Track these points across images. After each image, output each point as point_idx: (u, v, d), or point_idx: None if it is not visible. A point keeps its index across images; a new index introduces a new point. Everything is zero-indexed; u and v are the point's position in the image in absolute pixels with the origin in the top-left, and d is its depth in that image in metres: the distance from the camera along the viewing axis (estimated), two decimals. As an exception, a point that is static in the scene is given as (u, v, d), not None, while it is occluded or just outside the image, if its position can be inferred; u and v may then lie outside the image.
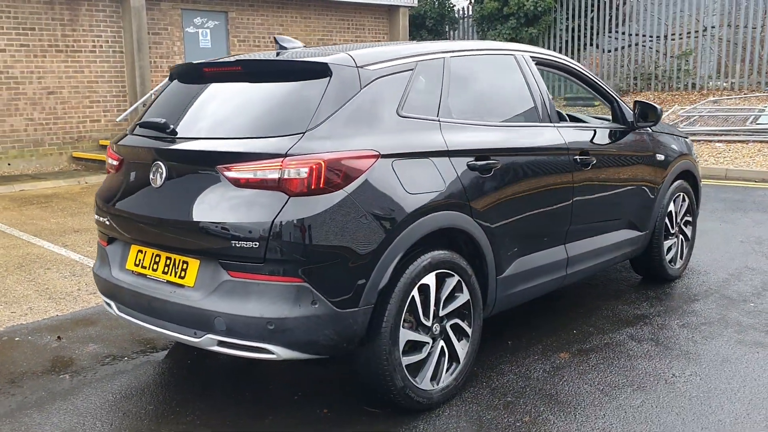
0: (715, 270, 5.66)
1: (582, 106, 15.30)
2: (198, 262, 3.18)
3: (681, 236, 5.48)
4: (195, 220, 3.12)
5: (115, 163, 3.69)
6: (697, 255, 6.05)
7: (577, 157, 4.22)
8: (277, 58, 3.53)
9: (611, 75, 17.43)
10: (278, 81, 3.35)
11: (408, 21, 19.59)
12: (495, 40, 18.21)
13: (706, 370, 3.79)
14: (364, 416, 3.37)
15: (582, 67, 4.74)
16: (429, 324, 3.36)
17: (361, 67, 3.30)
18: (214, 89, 3.52)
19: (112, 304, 3.63)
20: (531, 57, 4.26)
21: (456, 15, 20.59)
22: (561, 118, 4.93)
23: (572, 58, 17.45)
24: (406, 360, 3.26)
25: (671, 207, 5.26)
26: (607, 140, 4.62)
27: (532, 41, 18.04)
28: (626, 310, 4.79)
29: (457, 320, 3.52)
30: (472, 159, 3.55)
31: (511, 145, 3.81)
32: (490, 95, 4.03)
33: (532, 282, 4.02)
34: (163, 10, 13.06)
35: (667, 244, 5.29)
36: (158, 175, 3.32)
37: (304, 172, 2.94)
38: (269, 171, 2.96)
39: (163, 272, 3.32)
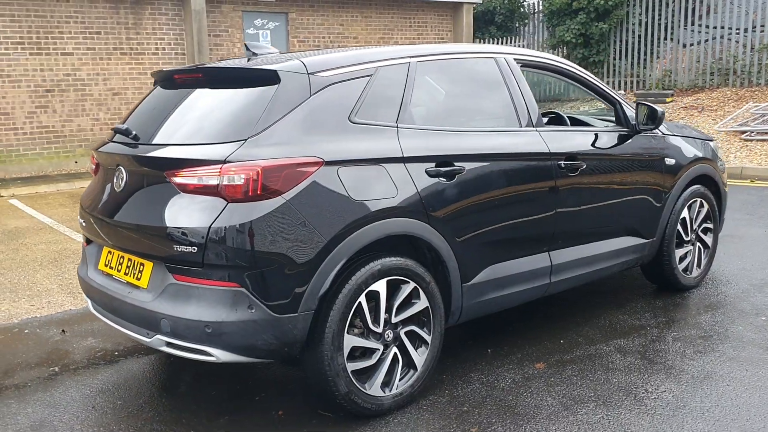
0: (738, 280, 5.37)
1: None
2: (151, 264, 3.29)
3: (698, 244, 5.23)
4: (146, 224, 3.23)
5: (93, 167, 3.86)
6: (726, 262, 5.77)
7: (562, 162, 4.10)
8: (231, 65, 3.60)
9: (687, 71, 16.71)
10: (232, 88, 3.42)
11: (473, 18, 19.44)
12: (563, 35, 17.84)
13: (683, 387, 3.62)
14: (315, 419, 3.40)
15: (579, 68, 4.59)
16: (379, 330, 3.35)
17: (313, 73, 3.33)
18: (179, 95, 3.62)
19: (89, 302, 3.79)
20: (516, 60, 4.16)
21: (526, 10, 20.23)
22: (560, 121, 4.83)
23: (646, 53, 16.86)
24: (352, 366, 3.27)
25: (685, 213, 5.03)
26: (603, 144, 4.46)
27: (602, 36, 17.53)
28: (625, 320, 4.62)
29: (413, 327, 3.50)
30: (431, 165, 3.51)
31: (479, 150, 3.74)
32: (462, 100, 3.97)
33: (508, 290, 3.94)
34: (224, 13, 13.44)
35: (680, 251, 5.06)
36: (120, 180, 3.45)
37: (241, 178, 2.99)
38: (209, 177, 3.03)
39: (125, 273, 3.45)
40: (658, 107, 4.58)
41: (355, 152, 3.29)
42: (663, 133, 4.91)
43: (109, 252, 3.62)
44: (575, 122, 4.96)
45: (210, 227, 2.99)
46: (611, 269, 4.61)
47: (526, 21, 20.46)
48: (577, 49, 18.02)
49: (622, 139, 4.60)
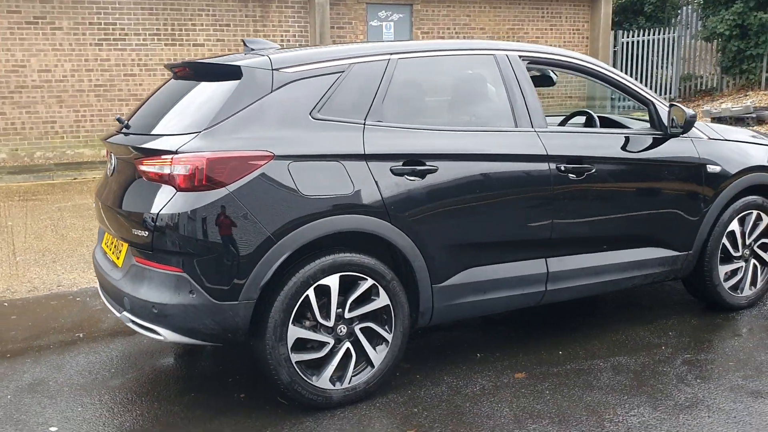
0: (803, 303, 4.83)
1: None
2: (126, 246, 3.53)
3: (753, 261, 4.74)
4: (119, 208, 3.48)
5: (104, 155, 4.19)
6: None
7: (562, 166, 3.89)
8: (205, 60, 3.75)
9: None
10: (205, 82, 3.57)
11: (620, 7, 18.51)
12: (716, 26, 16.54)
13: (657, 413, 3.35)
14: (270, 405, 3.51)
15: (604, 65, 4.31)
16: (330, 324, 3.39)
17: (277, 69, 3.41)
18: (171, 88, 3.82)
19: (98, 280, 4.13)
20: (521, 57, 3.99)
21: (679, 0, 18.96)
22: (589, 122, 4.59)
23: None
24: (297, 357, 3.34)
25: (734, 226, 4.59)
26: (622, 148, 4.17)
27: (763, 27, 16.05)
28: (644, 336, 4.32)
29: (370, 324, 3.50)
30: (398, 163, 3.49)
31: (457, 150, 3.65)
32: (447, 98, 3.88)
33: (491, 294, 3.82)
34: (348, 5, 13.77)
35: (726, 268, 4.63)
36: (111, 167, 3.73)
37: (187, 169, 3.14)
38: (163, 167, 3.22)
39: (112, 252, 3.73)
40: (689, 109, 4.21)
41: (312, 148, 3.34)
42: (709, 137, 4.50)
43: (108, 233, 3.92)
44: (608, 124, 4.67)
45: (158, 214, 3.18)
46: (632, 281, 4.31)
47: (678, 11, 19.19)
48: (731, 41, 16.66)
49: (649, 143, 4.27)
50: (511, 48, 4.02)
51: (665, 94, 17.93)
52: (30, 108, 11.60)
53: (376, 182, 3.42)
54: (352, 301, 3.44)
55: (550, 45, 15.84)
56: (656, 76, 17.87)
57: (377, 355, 3.54)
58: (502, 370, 3.88)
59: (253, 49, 3.94)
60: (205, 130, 3.24)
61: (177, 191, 3.18)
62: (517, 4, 15.42)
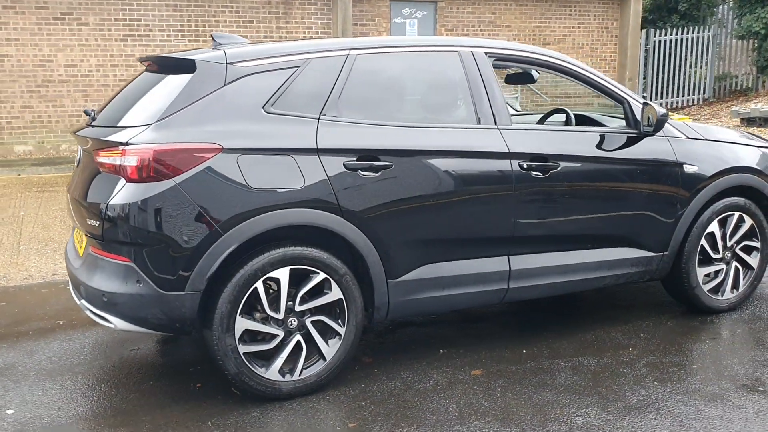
0: (788, 308, 4.72)
1: None
2: (87, 237, 3.63)
3: (735, 263, 4.64)
4: (79, 198, 3.58)
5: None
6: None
7: (525, 163, 3.87)
8: (164, 54, 3.81)
9: None
10: (165, 75, 3.63)
11: (654, 5, 18.16)
12: (752, 24, 16.11)
13: (604, 415, 3.32)
14: (222, 395, 3.57)
15: (577, 63, 4.25)
16: (280, 317, 3.44)
17: (231, 63, 3.46)
18: (139, 81, 3.90)
19: None
20: (487, 54, 3.97)
21: (715, -2, 18.53)
22: (567, 120, 4.55)
23: None
24: (245, 348, 3.39)
25: (714, 228, 4.50)
26: (591, 146, 4.12)
27: (799, 25, 15.59)
28: (614, 337, 4.26)
29: (322, 317, 3.53)
30: (352, 159, 3.51)
31: (412, 147, 3.65)
32: (407, 95, 3.89)
33: (451, 291, 3.82)
34: (371, 2, 13.80)
35: (705, 270, 4.54)
36: (77, 160, 3.83)
37: (135, 160, 3.22)
38: (114, 158, 3.30)
39: (78, 243, 3.83)
40: (661, 108, 4.14)
41: (262, 141, 3.38)
42: (688, 137, 4.42)
43: (79, 222, 4.03)
44: (585, 122, 4.62)
45: (108, 204, 3.26)
46: (602, 281, 4.26)
47: (715, 9, 18.74)
48: (767, 41, 16.22)
49: (623, 142, 4.22)
50: (478, 45, 4.00)
51: (699, 93, 17.56)
52: (56, 102, 11.91)
53: (327, 177, 3.45)
54: (303, 295, 3.48)
55: (578, 44, 15.66)
56: (690, 76, 17.49)
57: (329, 348, 3.57)
58: (461, 366, 3.88)
59: (220, 44, 3.99)
60: (156, 122, 3.31)
61: (126, 182, 3.25)
62: (544, 1, 15.26)
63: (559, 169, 3.97)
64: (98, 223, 3.33)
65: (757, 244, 4.68)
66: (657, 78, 17.20)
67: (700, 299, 4.55)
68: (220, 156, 3.29)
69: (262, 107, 3.44)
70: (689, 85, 17.56)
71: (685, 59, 17.45)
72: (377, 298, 3.66)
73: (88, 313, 3.52)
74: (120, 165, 3.26)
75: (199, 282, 3.27)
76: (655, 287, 5.09)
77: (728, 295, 4.65)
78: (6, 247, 6.46)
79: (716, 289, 4.61)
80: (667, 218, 4.33)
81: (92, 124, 3.76)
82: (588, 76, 4.25)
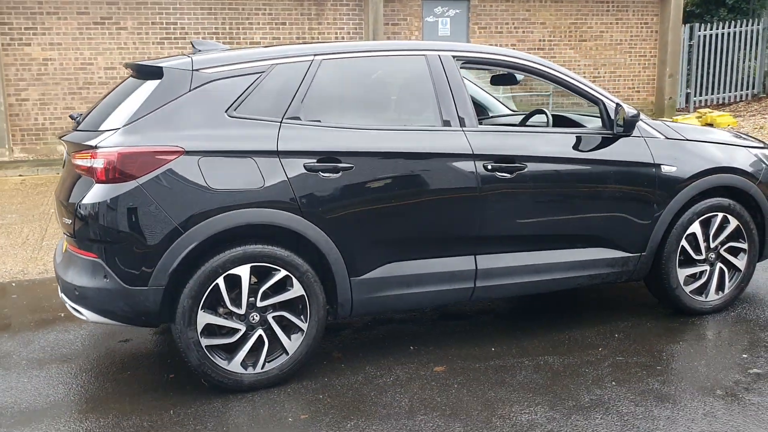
0: (776, 310, 4.64)
1: None
2: (69, 235, 3.85)
3: (720, 264, 4.59)
4: (60, 199, 3.80)
5: None
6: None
7: (490, 164, 3.93)
8: (141, 62, 3.99)
9: None
10: (142, 81, 3.82)
11: (691, 0, 17.72)
12: (801, 18, 15.60)
13: (551, 413, 3.37)
14: (191, 385, 3.75)
15: (549, 64, 4.28)
16: (242, 312, 3.59)
17: (197, 70, 3.63)
18: (121, 87, 4.09)
19: None
20: (455, 57, 4.05)
21: (765, -10, 17.95)
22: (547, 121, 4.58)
23: None
24: (207, 341, 3.56)
25: (695, 228, 4.46)
26: (562, 147, 4.16)
27: None
28: (587, 337, 4.29)
29: (284, 313, 3.67)
30: (312, 160, 3.63)
31: (374, 149, 3.75)
32: (371, 98, 3.99)
33: (417, 289, 3.91)
34: (403, 2, 13.88)
35: (687, 271, 4.51)
36: (63, 163, 4.07)
37: (103, 162, 3.42)
38: (86, 160, 3.50)
39: (66, 240, 4.06)
40: (632, 109, 4.14)
41: (224, 144, 3.54)
42: (667, 137, 4.40)
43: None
44: (565, 123, 4.63)
45: (78, 203, 3.48)
46: (576, 281, 4.29)
47: (765, 1, 18.16)
48: (818, 34, 15.69)
49: (597, 143, 4.23)
50: (445, 48, 4.08)
51: (748, 89, 17.08)
52: (96, 103, 12.38)
53: (287, 178, 3.59)
54: (265, 291, 3.62)
55: (616, 40, 15.42)
56: (738, 71, 17.02)
57: (292, 343, 3.70)
58: (426, 362, 3.97)
59: (199, 50, 4.17)
60: (124, 126, 3.50)
61: (95, 183, 3.46)
62: (581, -3, 15.07)
63: (525, 170, 4.01)
64: (71, 221, 3.54)
65: (744, 246, 4.62)
66: (702, 74, 16.78)
67: (682, 300, 4.52)
68: (182, 158, 3.46)
69: (225, 111, 3.60)
70: (737, 81, 17.09)
71: (733, 54, 16.99)
72: (340, 295, 3.78)
73: (67, 306, 3.74)
74: (90, 167, 3.47)
75: (162, 278, 3.45)
76: (645, 289, 5.05)
77: (713, 296, 4.60)
78: (29, 244, 6.82)
79: (700, 291, 4.57)
80: (643, 219, 4.32)
81: (77, 128, 3.98)
82: (560, 77, 4.28)
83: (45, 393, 3.72)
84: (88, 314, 3.56)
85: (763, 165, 4.67)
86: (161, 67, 3.64)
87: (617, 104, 4.20)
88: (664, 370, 3.80)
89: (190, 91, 3.59)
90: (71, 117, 4.14)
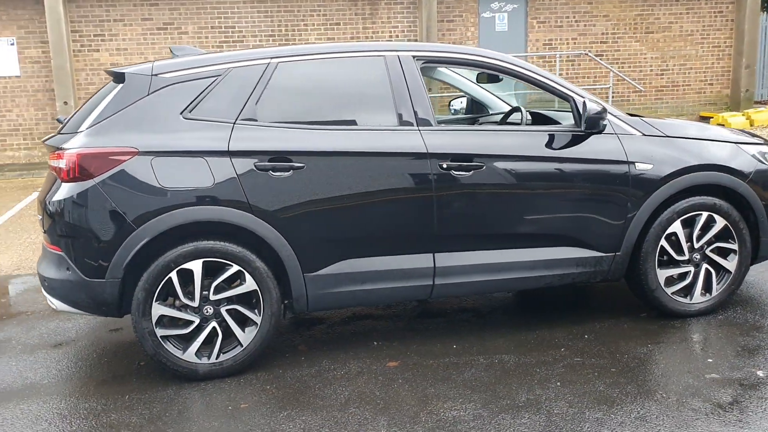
0: (768, 314, 4.44)
1: None
2: (49, 232, 4.15)
3: (707, 265, 4.43)
4: (39, 198, 4.10)
5: None
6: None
7: (445, 163, 3.95)
8: (112, 68, 4.22)
9: None
10: (114, 86, 4.05)
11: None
12: None
13: (480, 411, 3.38)
14: (155, 373, 3.97)
15: (516, 62, 4.25)
16: (195, 305, 3.77)
17: (156, 75, 3.84)
18: (98, 93, 4.32)
19: None
20: (415, 57, 4.09)
21: None
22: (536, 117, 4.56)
23: None
24: (163, 332, 3.76)
25: (676, 228, 4.32)
26: (524, 145, 4.13)
27: None
28: (555, 338, 4.24)
29: (237, 306, 3.83)
30: (263, 160, 3.77)
31: (328, 149, 3.85)
32: (326, 99, 4.07)
33: (372, 285, 3.99)
34: (459, -2, 13.86)
35: (667, 272, 4.37)
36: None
37: (65, 163, 3.68)
38: (54, 161, 3.78)
39: (51, 238, 4.36)
40: (595, 105, 4.06)
41: (177, 145, 3.73)
42: (644, 134, 4.29)
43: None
44: (542, 120, 4.58)
45: (46, 201, 3.75)
46: (542, 280, 4.24)
47: None
48: None
49: (565, 140, 4.17)
50: (405, 49, 4.13)
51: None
52: (160, 105, 12.98)
53: (238, 177, 3.74)
54: (218, 285, 3.79)
55: (686, 31, 14.82)
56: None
57: (245, 335, 3.86)
58: (382, 358, 4.04)
59: (177, 55, 4.38)
60: (86, 129, 3.75)
61: (61, 182, 3.72)
62: (647, -12, 14.59)
63: (484, 168, 4.01)
64: (41, 217, 3.83)
65: (735, 246, 4.44)
66: (783, 64, 15.93)
67: (662, 302, 4.39)
68: (136, 158, 3.67)
69: (181, 113, 3.79)
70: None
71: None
72: (295, 290, 3.90)
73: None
74: (57, 167, 3.74)
75: (117, 271, 3.67)
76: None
77: (699, 299, 4.45)
78: (68, 238, 7.28)
79: (685, 293, 4.43)
80: (615, 218, 4.23)
81: (60, 131, 4.27)
82: (527, 74, 4.25)
83: (25, 375, 4.03)
84: (57, 304, 3.84)
85: (756, 162, 4.46)
86: (123, 73, 3.87)
87: (584, 101, 4.12)
88: (618, 373, 3.72)
89: (148, 94, 3.80)
90: (58, 120, 4.44)
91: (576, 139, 4.19)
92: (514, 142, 4.15)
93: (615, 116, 4.28)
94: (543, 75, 4.26)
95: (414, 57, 4.10)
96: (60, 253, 3.75)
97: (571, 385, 3.60)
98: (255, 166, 3.77)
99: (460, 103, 5.85)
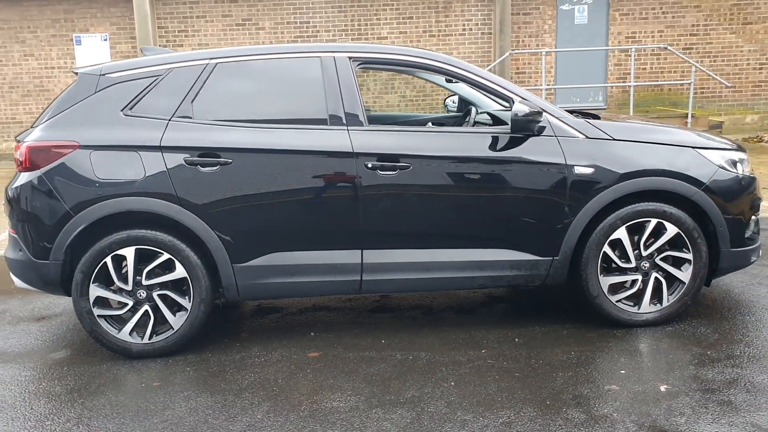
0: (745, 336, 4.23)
1: None
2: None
3: (656, 274, 4.26)
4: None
5: None
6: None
7: (370, 162, 4.04)
8: (74, 68, 4.58)
9: None
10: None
11: None
12: None
13: (363, 404, 3.47)
14: (103, 352, 4.33)
15: (457, 63, 4.24)
16: (129, 288, 4.09)
17: (103, 74, 4.17)
18: (66, 89, 4.72)
19: None
20: (351, 58, 4.20)
21: None
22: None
23: None
24: (100, 311, 4.11)
25: (620, 234, 4.19)
26: (459, 146, 4.15)
27: None
28: (485, 339, 4.23)
29: (168, 292, 4.11)
30: (193, 155, 4.02)
31: (256, 145, 4.04)
32: (262, 99, 4.24)
33: (300, 278, 4.15)
34: (535, -10, 13.57)
35: (611, 279, 4.25)
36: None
37: (19, 154, 4.09)
38: (16, 152, 4.21)
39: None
40: (523, 107, 3.99)
41: (114, 139, 4.05)
42: (587, 136, 4.19)
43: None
44: (495, 121, 4.56)
45: (6, 188, 4.18)
46: (475, 281, 4.25)
47: None
48: None
49: (502, 142, 4.15)
50: (342, 50, 4.24)
51: None
52: (238, 97, 13.61)
53: (168, 171, 4.01)
54: (150, 271, 4.09)
55: (788, 20, 13.77)
56: None
57: (176, 319, 4.14)
58: (308, 348, 4.21)
59: (145, 55, 4.71)
60: (40, 124, 4.14)
61: (19, 172, 4.14)
62: (744, -24, 13.67)
63: (411, 168, 4.06)
64: (5, 204, 4.27)
65: (689, 256, 4.24)
66: None
67: (606, 310, 4.27)
68: (77, 152, 4.02)
69: (122, 110, 4.10)
70: None
71: None
72: (224, 279, 4.14)
73: (12, 276, 4.49)
74: (16, 158, 4.16)
75: (58, 254, 4.04)
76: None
77: (647, 308, 4.29)
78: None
79: (634, 302, 4.29)
80: (552, 221, 4.16)
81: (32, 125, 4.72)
82: (467, 76, 4.24)
83: (7, 344, 4.49)
84: (16, 281, 4.27)
85: (716, 169, 4.23)
86: (77, 72, 4.23)
87: (515, 103, 4.07)
88: (519, 378, 3.69)
89: (95, 92, 4.13)
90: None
91: (513, 141, 4.15)
92: (444, 143, 4.17)
93: (557, 118, 4.20)
94: (482, 76, 4.25)
95: (350, 58, 4.20)
96: (14, 235, 4.17)
97: (464, 386, 3.62)
98: (184, 160, 4.02)
99: (452, 102, 5.87)
